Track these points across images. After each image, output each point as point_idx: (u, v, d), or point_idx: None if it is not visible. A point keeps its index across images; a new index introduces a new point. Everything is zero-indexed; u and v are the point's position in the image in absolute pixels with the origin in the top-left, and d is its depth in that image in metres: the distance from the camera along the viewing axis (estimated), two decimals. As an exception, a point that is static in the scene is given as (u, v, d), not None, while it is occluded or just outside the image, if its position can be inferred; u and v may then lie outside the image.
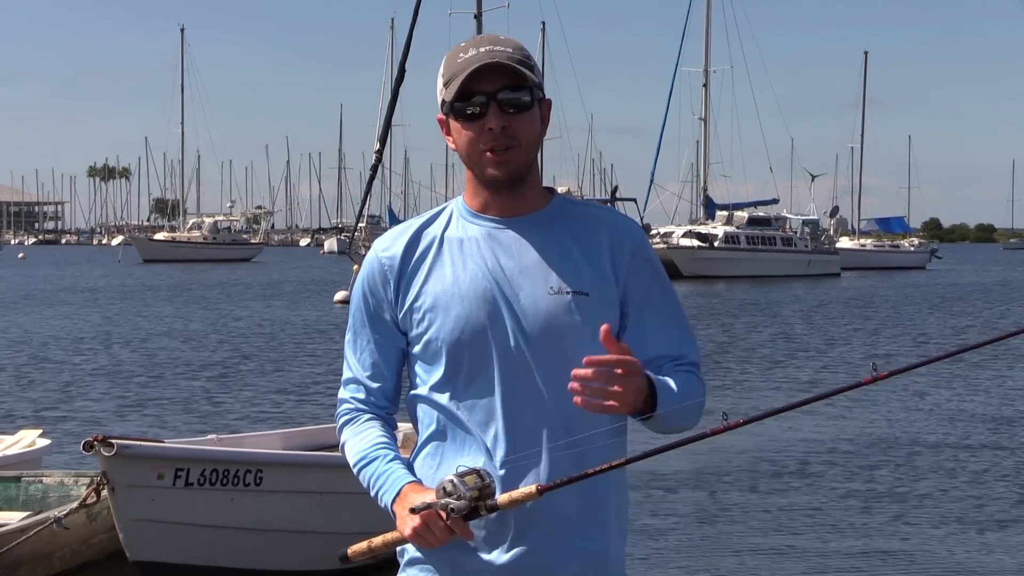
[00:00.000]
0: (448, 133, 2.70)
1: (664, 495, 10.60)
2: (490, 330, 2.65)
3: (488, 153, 2.64)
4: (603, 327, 2.50)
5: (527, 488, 2.53)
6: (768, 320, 32.13)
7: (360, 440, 2.75)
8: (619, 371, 2.48)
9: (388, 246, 2.75)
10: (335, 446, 10.95)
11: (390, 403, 2.82)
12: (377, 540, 2.62)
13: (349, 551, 2.66)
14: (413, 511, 2.55)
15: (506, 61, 2.62)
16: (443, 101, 2.67)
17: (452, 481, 2.51)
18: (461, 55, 2.65)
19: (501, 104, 2.62)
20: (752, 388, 18.08)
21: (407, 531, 2.57)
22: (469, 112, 2.63)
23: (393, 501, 2.64)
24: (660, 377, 2.61)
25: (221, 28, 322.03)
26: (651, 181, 66.10)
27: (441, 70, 2.67)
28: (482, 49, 2.63)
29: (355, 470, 2.74)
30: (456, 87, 2.62)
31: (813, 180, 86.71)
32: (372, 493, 2.70)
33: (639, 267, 2.72)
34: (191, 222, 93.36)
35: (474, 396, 2.66)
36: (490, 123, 2.62)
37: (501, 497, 2.53)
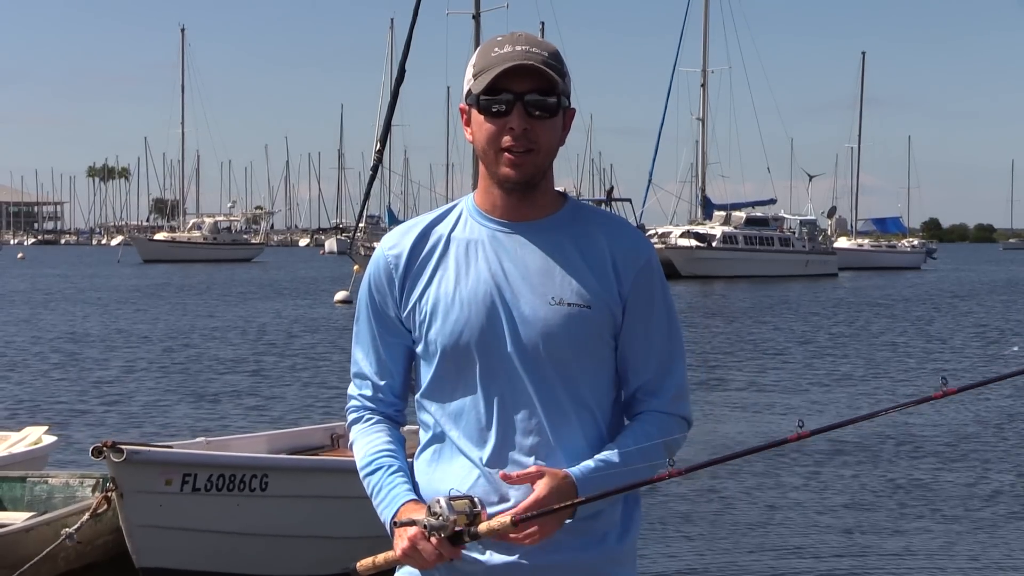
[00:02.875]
0: (468, 124, 2.67)
1: (670, 485, 10.70)
2: (488, 336, 2.62)
3: (506, 153, 2.62)
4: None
5: (503, 518, 2.53)
6: (767, 320, 32.26)
7: (367, 444, 2.74)
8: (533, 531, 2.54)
9: (395, 243, 2.73)
10: (321, 447, 10.77)
11: (398, 400, 2.79)
12: (380, 557, 2.63)
13: (358, 565, 2.64)
14: (396, 524, 2.58)
15: (540, 64, 2.60)
16: (469, 92, 2.64)
17: (440, 502, 2.52)
18: (496, 49, 2.62)
19: (527, 106, 2.60)
20: (746, 393, 18.22)
21: (398, 551, 2.57)
22: (495, 109, 2.61)
23: (392, 518, 2.63)
24: (592, 471, 2.60)
25: (221, 28, 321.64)
26: (649, 181, 66.27)
27: (473, 59, 2.65)
28: (519, 48, 2.61)
29: (360, 474, 2.73)
30: (486, 81, 2.60)
31: (811, 180, 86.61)
32: (374, 503, 2.70)
33: (642, 287, 2.69)
34: (191, 222, 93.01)
35: (470, 402, 2.65)
36: (512, 123, 2.60)
37: (482, 526, 2.53)
